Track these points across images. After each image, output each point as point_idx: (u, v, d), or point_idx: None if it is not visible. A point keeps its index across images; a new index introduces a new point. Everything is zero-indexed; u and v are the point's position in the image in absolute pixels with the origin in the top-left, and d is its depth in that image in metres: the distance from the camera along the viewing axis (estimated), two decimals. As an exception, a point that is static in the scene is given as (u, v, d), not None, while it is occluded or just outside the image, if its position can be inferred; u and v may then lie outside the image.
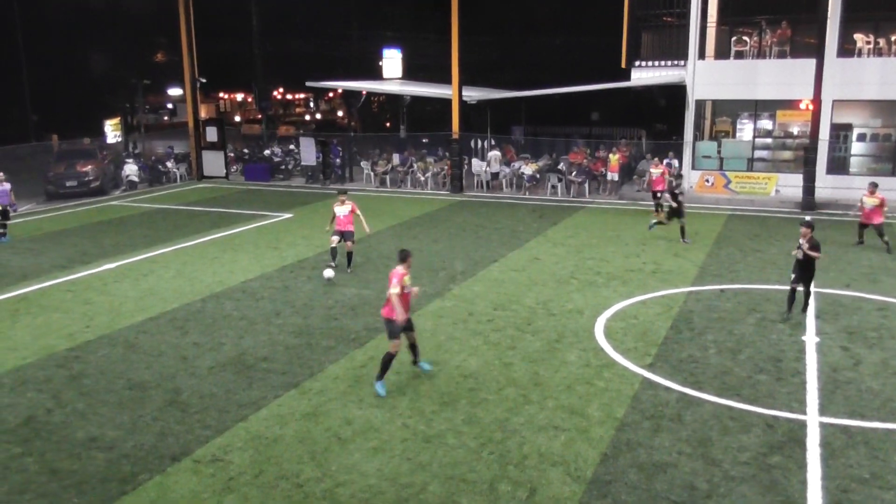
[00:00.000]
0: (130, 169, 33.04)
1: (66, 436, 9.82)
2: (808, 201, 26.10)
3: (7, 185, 22.53)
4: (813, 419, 10.04)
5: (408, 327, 11.32)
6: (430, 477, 8.70)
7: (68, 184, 30.47)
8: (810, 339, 13.07)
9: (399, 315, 10.85)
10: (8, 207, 22.42)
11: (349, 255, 18.13)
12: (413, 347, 11.64)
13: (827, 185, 27.17)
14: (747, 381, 11.30)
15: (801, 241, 14.05)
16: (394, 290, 10.79)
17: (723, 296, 15.68)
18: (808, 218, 14.20)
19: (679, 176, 24.84)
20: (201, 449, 9.42)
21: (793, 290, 14.19)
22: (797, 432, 9.72)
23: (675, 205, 20.18)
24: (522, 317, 14.42)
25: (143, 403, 10.77)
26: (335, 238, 17.93)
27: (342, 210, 17.87)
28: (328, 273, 16.75)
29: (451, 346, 12.92)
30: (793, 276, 14.23)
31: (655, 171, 24.15)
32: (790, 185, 27.70)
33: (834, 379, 11.33)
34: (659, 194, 23.41)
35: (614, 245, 20.56)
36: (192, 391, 11.18)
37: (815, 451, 9.18)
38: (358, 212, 17.99)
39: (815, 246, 13.91)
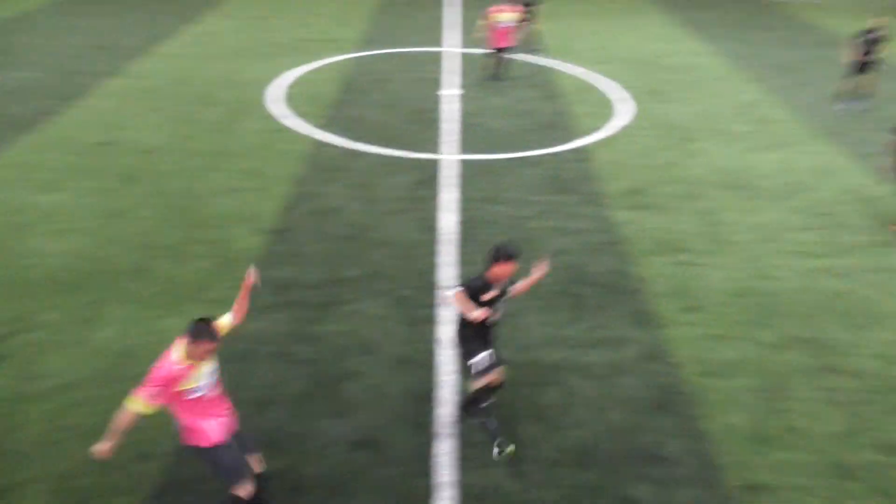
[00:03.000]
0: None
1: None
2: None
3: None
4: (452, 157, 10.94)
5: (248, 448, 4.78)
6: (123, 248, 8.22)
7: None
8: (453, 92, 13.86)
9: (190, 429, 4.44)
10: None
11: None
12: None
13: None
14: (401, 132, 11.86)
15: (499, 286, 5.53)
16: (133, 404, 4.15)
17: (381, 58, 15.84)
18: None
19: None
20: None
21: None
22: (439, 169, 10.57)
23: None
24: (203, 91, 13.42)
25: None
26: None
27: None
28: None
29: (132, 123, 11.75)
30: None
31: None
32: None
33: (469, 123, 12.30)
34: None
35: (285, 15, 19.46)
36: None
37: (452, 181, 10.10)
38: None
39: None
